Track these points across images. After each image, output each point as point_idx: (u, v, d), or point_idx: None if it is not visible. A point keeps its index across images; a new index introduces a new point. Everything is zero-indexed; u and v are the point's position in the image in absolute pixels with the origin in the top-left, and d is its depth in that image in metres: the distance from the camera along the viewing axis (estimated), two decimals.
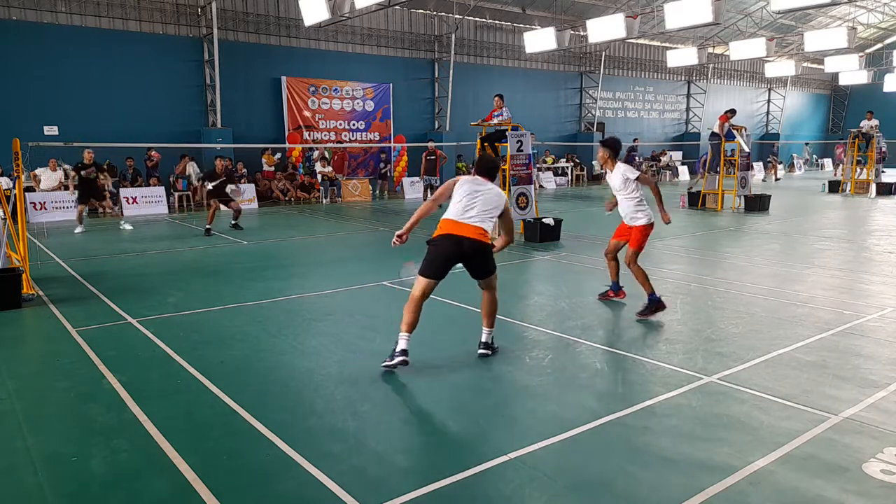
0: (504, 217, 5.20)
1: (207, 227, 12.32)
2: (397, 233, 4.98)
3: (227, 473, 3.38)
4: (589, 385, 4.59)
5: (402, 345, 4.85)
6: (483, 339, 5.23)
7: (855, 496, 3.13)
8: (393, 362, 4.82)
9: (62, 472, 3.42)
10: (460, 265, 5.07)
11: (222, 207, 13.05)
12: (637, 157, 25.45)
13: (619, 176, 6.38)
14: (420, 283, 4.90)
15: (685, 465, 3.44)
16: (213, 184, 12.76)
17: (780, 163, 30.41)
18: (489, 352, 5.20)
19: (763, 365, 4.94)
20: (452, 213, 4.96)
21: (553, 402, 4.29)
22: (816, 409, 4.12)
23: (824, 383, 4.57)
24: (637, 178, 6.32)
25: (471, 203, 4.95)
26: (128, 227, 13.25)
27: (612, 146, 6.46)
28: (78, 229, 12.75)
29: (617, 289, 6.93)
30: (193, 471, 3.37)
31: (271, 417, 4.02)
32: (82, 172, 12.90)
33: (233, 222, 13.09)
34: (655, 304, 6.26)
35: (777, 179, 27.66)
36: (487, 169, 5.24)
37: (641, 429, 3.87)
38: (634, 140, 25.90)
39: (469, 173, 5.34)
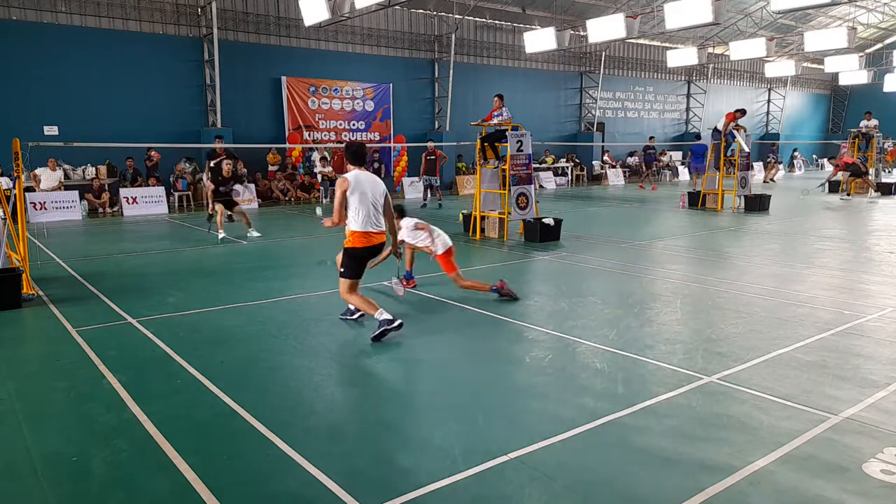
0: (385, 206, 5.78)
1: (220, 234, 11.30)
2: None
3: (227, 473, 3.39)
4: (589, 385, 4.59)
5: (387, 314, 5.52)
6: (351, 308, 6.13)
7: (855, 496, 3.13)
8: (395, 325, 5.48)
9: (62, 472, 3.42)
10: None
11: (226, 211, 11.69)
12: (653, 153, 25.25)
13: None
14: (350, 283, 5.71)
15: (685, 465, 3.44)
16: (214, 161, 12.29)
17: (779, 162, 29.95)
18: (354, 317, 6.18)
19: (763, 365, 4.94)
20: (360, 224, 5.55)
21: (553, 402, 4.29)
22: (816, 409, 4.13)
23: (824, 383, 4.57)
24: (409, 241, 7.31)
25: (368, 207, 5.55)
26: (255, 234, 11.70)
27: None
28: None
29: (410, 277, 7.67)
30: (193, 471, 3.37)
31: (271, 417, 4.02)
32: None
33: (228, 213, 12.10)
34: (505, 292, 6.98)
35: (770, 181, 26.63)
36: (360, 156, 5.71)
37: (641, 429, 3.87)
38: (651, 139, 25.97)
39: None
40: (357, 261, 5.70)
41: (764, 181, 26.39)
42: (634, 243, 11.00)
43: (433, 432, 3.92)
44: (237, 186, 12.13)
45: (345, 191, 5.48)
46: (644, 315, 6.41)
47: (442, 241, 7.14)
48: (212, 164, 12.72)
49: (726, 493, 3.16)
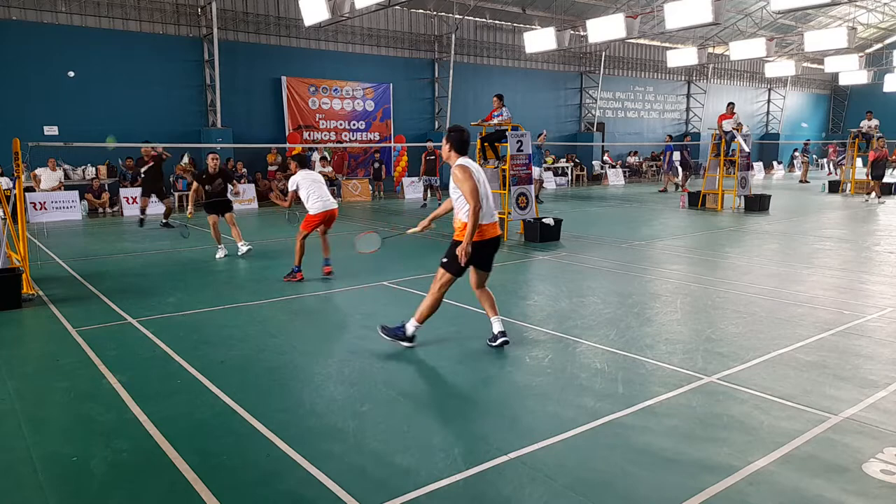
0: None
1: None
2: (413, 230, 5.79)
3: (227, 473, 3.38)
4: (589, 385, 4.59)
5: (415, 332, 5.34)
6: (501, 329, 5.38)
7: (855, 496, 3.13)
8: (406, 343, 5.34)
9: (62, 472, 3.42)
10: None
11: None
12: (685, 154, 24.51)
13: None
14: (449, 279, 5.16)
15: (685, 465, 3.44)
16: (144, 168, 12.45)
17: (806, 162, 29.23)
18: (507, 338, 5.38)
19: (763, 365, 4.94)
20: (489, 213, 5.10)
21: (553, 402, 4.28)
22: (816, 409, 4.12)
23: (824, 383, 4.57)
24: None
25: (486, 197, 5.07)
26: (245, 248, 9.72)
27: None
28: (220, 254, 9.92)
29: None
30: (193, 471, 3.37)
31: (271, 417, 4.02)
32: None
33: (163, 221, 12.92)
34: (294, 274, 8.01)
35: (805, 181, 25.84)
36: (466, 144, 5.20)
37: (641, 429, 3.87)
38: (686, 137, 25.62)
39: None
40: (476, 255, 5.03)
41: (801, 180, 26.18)
42: (634, 243, 11.00)
43: (433, 432, 3.92)
44: (230, 186, 10.02)
45: (472, 178, 4.83)
46: (644, 315, 6.41)
47: (322, 204, 7.99)
48: (142, 172, 12.62)
49: (726, 493, 3.16)
